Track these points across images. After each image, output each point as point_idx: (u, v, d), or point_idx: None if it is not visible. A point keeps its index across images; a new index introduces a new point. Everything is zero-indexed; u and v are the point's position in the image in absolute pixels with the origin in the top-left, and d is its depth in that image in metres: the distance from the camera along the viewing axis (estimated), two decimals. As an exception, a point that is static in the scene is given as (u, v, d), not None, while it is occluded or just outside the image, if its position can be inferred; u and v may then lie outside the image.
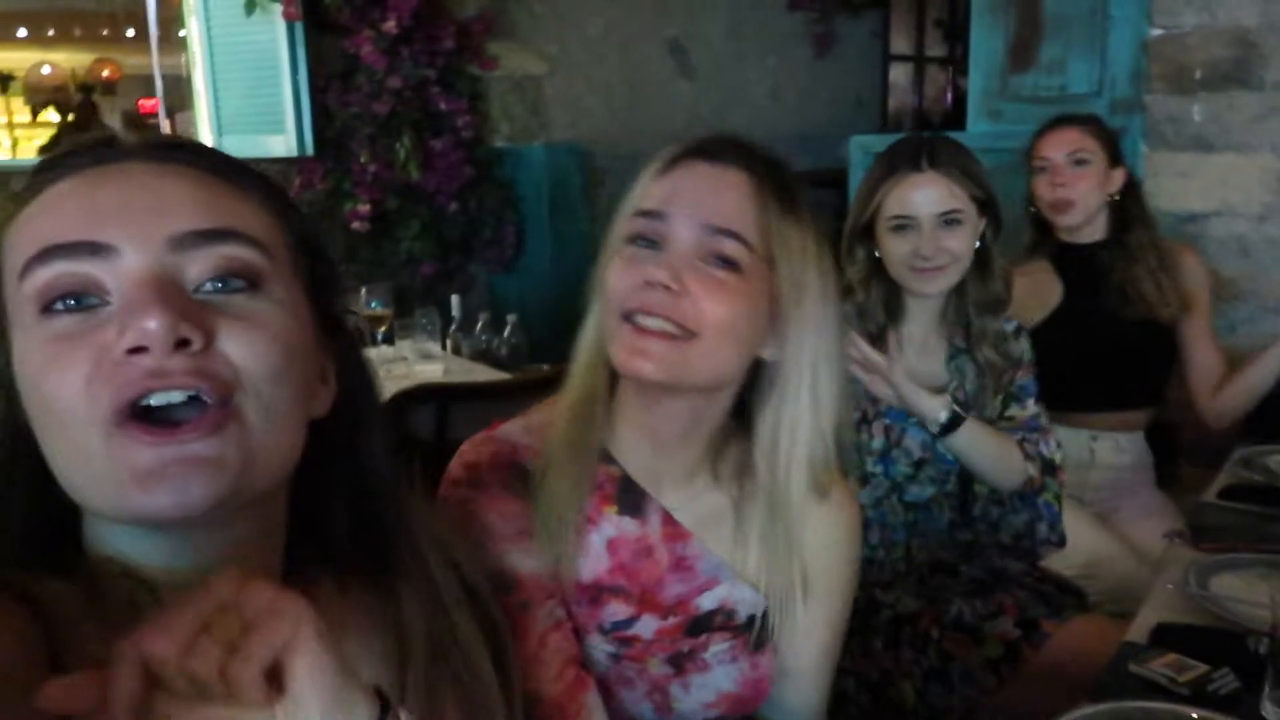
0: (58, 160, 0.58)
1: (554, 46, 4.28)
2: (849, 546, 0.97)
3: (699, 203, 0.85)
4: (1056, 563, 1.58)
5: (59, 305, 0.54)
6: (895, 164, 1.45)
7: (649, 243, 0.85)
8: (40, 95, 6.50)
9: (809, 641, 0.96)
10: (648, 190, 0.88)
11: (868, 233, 1.48)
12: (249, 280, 0.57)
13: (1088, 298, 1.94)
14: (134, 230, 0.54)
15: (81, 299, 0.54)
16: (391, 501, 0.68)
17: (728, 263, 0.83)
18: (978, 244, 1.44)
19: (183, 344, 0.52)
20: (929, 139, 1.49)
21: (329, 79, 3.71)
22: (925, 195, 1.42)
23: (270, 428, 0.56)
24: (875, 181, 1.47)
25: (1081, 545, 1.69)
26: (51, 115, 6.43)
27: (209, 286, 0.56)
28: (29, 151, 6.16)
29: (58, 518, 0.58)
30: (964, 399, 1.47)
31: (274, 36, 3.63)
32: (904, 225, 1.43)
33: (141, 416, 0.52)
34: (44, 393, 0.53)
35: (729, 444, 0.93)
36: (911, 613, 1.44)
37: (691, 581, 0.91)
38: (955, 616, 1.42)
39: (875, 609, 1.44)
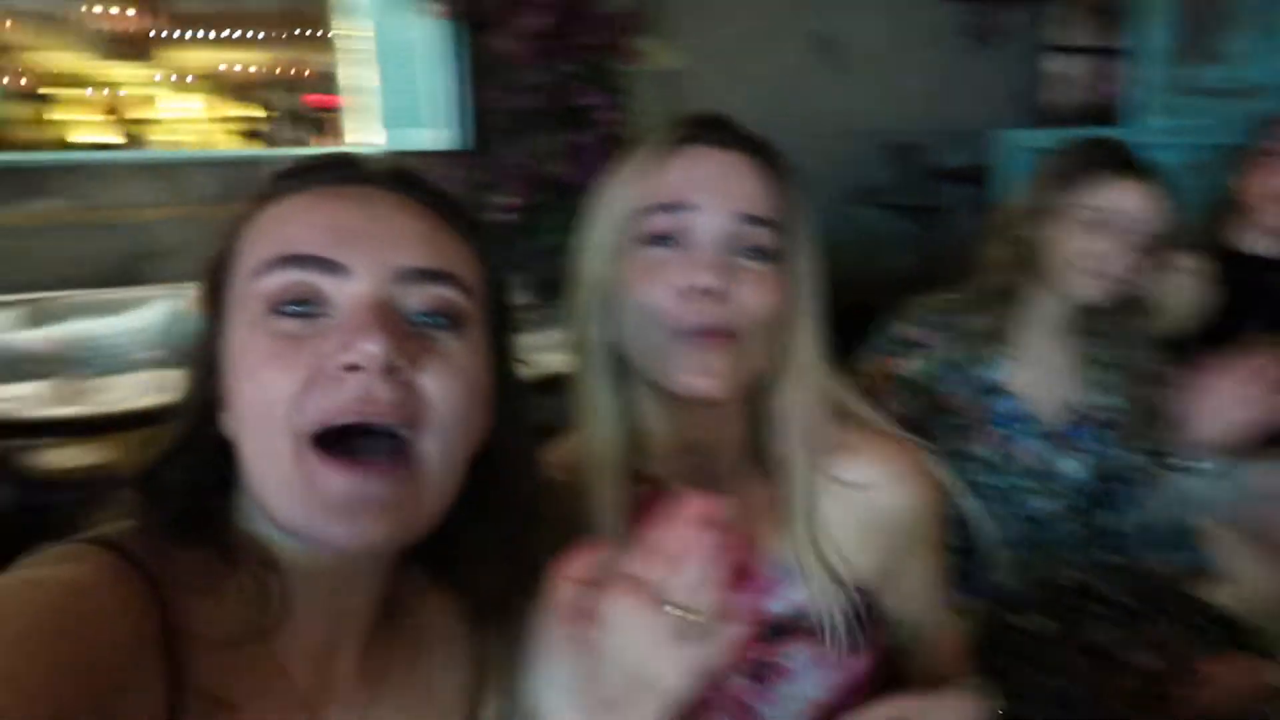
0: (303, 172, 0.63)
1: (696, 40, 4.27)
2: (903, 509, 0.89)
3: (727, 192, 0.79)
4: (1222, 593, 1.47)
5: (288, 309, 0.58)
6: (1099, 160, 1.40)
7: (670, 240, 0.79)
8: (228, 91, 6.98)
9: (916, 617, 0.93)
10: (654, 183, 0.80)
11: (1038, 221, 1.42)
12: (453, 321, 0.61)
13: (1259, 317, 1.79)
14: (367, 257, 0.58)
15: (307, 306, 0.58)
16: (524, 538, 0.68)
17: (764, 253, 0.79)
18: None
19: (392, 370, 0.56)
20: (1126, 146, 1.43)
21: (478, 74, 3.83)
22: (1134, 201, 1.37)
23: (444, 470, 0.59)
24: (1072, 173, 1.41)
25: (1250, 576, 1.57)
26: (237, 110, 6.91)
27: (420, 319, 0.60)
28: (219, 144, 6.64)
29: (216, 487, 0.62)
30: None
31: (425, 33, 3.77)
32: (1103, 222, 1.37)
33: (335, 440, 0.56)
34: (256, 385, 0.57)
35: (760, 433, 0.87)
36: (1043, 635, 1.38)
37: (758, 586, 0.86)
38: (1093, 642, 1.35)
39: (1004, 629, 1.39)
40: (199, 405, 0.61)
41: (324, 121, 6.10)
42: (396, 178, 0.63)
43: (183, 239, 3.51)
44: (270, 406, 0.56)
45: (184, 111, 6.81)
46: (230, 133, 6.90)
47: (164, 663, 0.54)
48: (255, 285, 0.59)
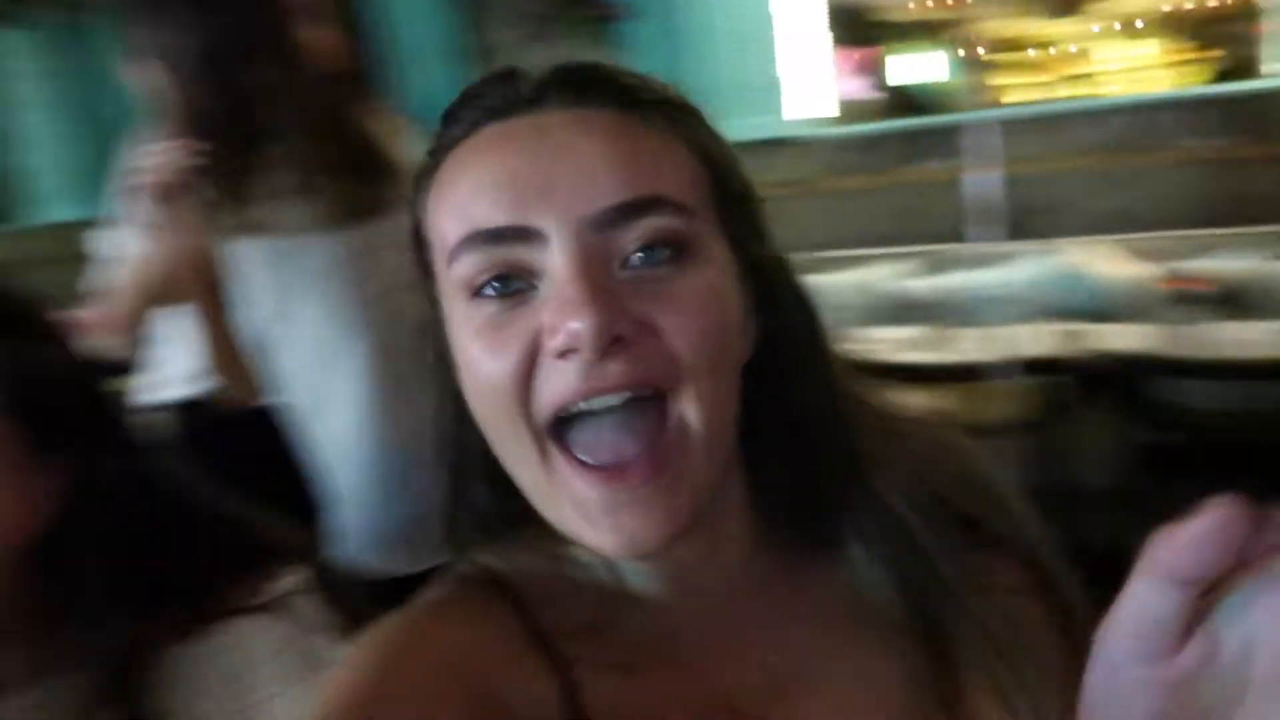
0: (467, 106, 0.55)
1: None
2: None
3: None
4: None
5: (488, 290, 0.52)
6: None
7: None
8: (1171, 31, 6.48)
9: None
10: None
11: None
12: (677, 248, 0.51)
13: None
14: (559, 212, 0.50)
15: (509, 282, 0.51)
16: (831, 449, 0.57)
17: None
18: None
19: (616, 340, 0.48)
20: None
21: None
22: None
23: (711, 430, 0.51)
24: None
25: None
26: (1179, 51, 6.37)
27: (635, 260, 0.51)
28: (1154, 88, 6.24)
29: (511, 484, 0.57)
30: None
31: None
32: None
33: (568, 424, 0.50)
34: (479, 381, 0.52)
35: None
36: None
37: None
38: None
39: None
40: (454, 399, 0.56)
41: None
42: (570, 85, 0.53)
43: (1067, 192, 3.40)
44: (496, 407, 0.51)
45: (1122, 61, 6.52)
46: (1177, 75, 6.36)
47: (545, 662, 0.53)
48: (451, 273, 0.53)
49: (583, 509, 0.50)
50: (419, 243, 0.57)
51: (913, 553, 0.57)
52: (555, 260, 0.50)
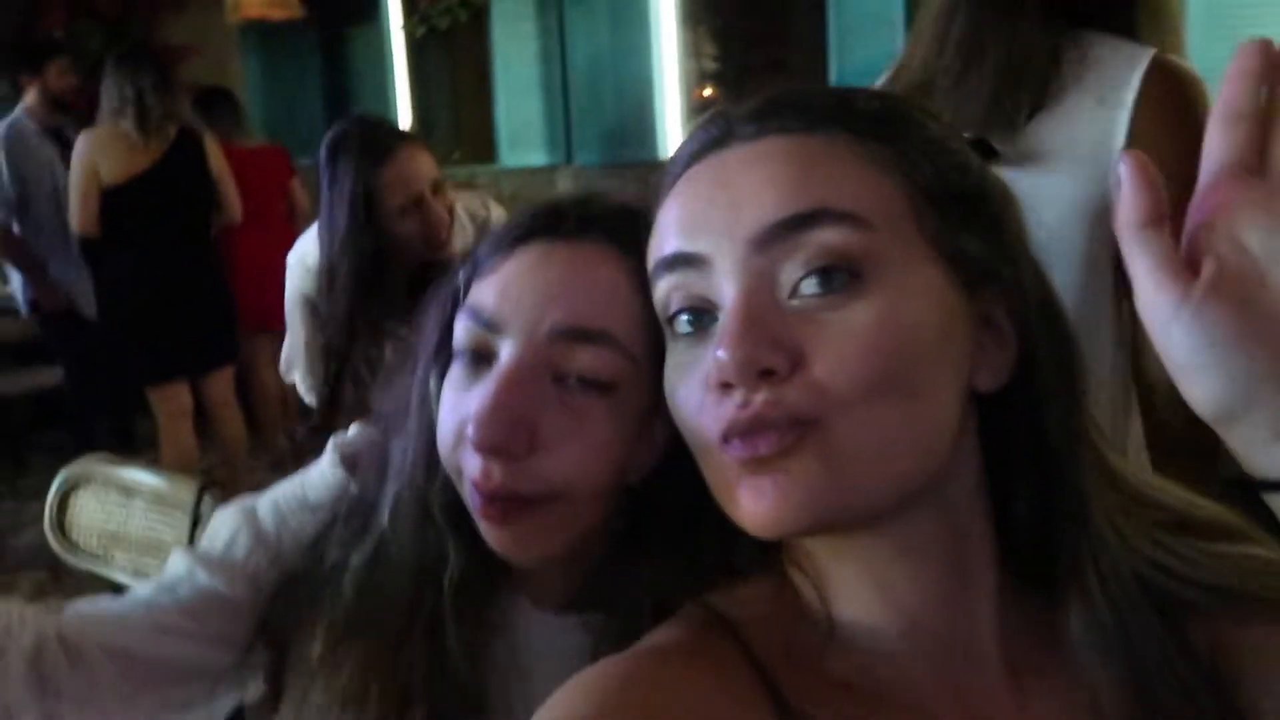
0: (676, 154, 0.56)
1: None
2: None
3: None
4: None
5: (678, 321, 0.53)
6: None
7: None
8: None
9: None
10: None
11: None
12: (851, 271, 0.48)
13: None
14: (719, 237, 0.50)
15: (696, 315, 0.52)
16: (1069, 487, 0.53)
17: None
18: None
19: (767, 374, 0.47)
20: None
21: None
22: None
23: (871, 443, 0.48)
24: None
25: None
26: None
27: (808, 289, 0.48)
28: None
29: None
30: None
31: None
32: None
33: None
34: (677, 412, 0.53)
35: None
36: None
37: None
38: None
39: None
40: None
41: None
42: (755, 115, 0.53)
43: None
44: (689, 422, 0.52)
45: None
46: None
47: (769, 705, 0.50)
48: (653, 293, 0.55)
49: (730, 486, 0.50)
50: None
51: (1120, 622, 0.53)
52: (724, 288, 0.50)
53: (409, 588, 0.67)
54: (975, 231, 0.52)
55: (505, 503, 0.61)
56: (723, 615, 0.54)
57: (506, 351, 0.62)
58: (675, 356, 0.54)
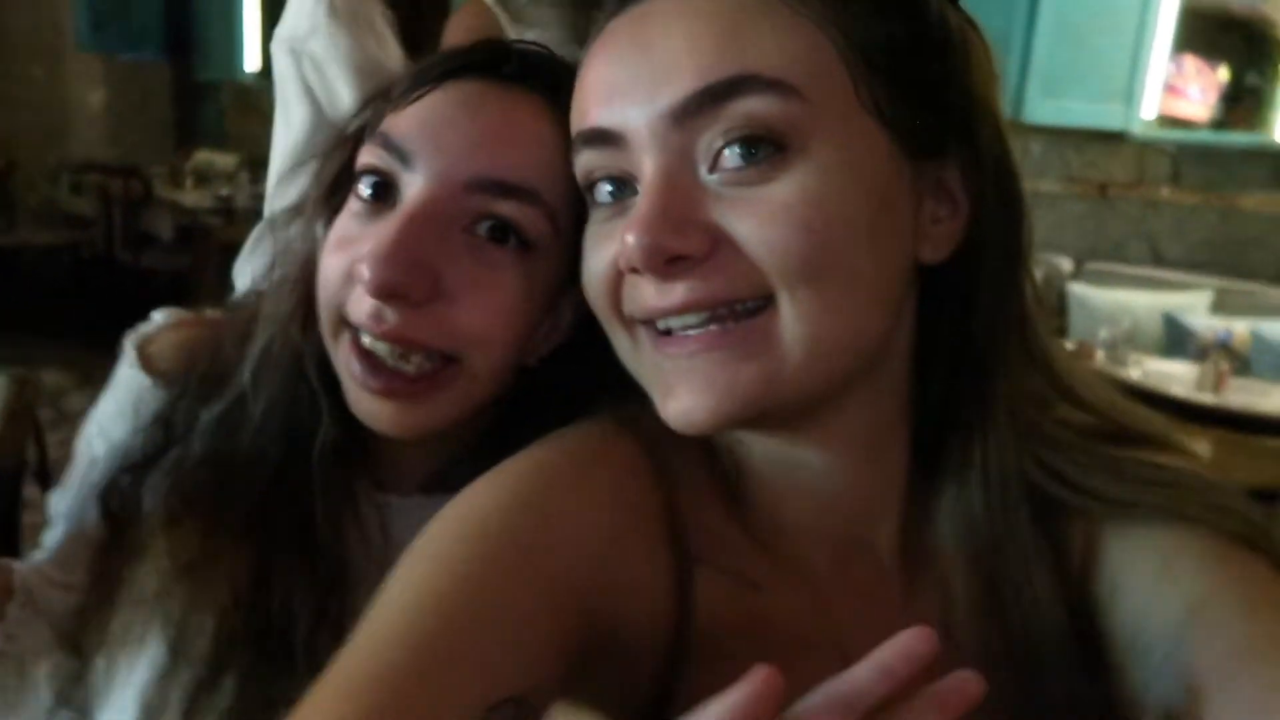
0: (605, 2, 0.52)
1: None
2: None
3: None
4: None
5: (600, 195, 0.51)
6: None
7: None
8: None
9: None
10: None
11: None
12: (776, 143, 0.44)
13: None
14: (636, 110, 0.46)
15: (618, 185, 0.50)
16: (982, 368, 0.51)
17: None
18: None
19: (678, 259, 0.45)
20: None
21: None
22: None
23: (817, 337, 0.45)
24: None
25: None
26: None
27: (730, 162, 0.45)
28: None
29: None
30: None
31: None
32: None
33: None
34: (588, 278, 0.52)
35: None
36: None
37: None
38: None
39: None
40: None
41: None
42: None
43: None
44: (595, 305, 0.51)
45: None
46: None
47: (668, 534, 0.49)
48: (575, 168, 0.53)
49: (659, 378, 0.49)
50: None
51: (996, 515, 0.51)
52: (643, 163, 0.47)
53: (273, 451, 0.62)
54: (925, 94, 0.47)
55: (391, 376, 0.56)
56: (645, 427, 0.51)
57: (415, 188, 0.56)
58: (594, 225, 0.52)
